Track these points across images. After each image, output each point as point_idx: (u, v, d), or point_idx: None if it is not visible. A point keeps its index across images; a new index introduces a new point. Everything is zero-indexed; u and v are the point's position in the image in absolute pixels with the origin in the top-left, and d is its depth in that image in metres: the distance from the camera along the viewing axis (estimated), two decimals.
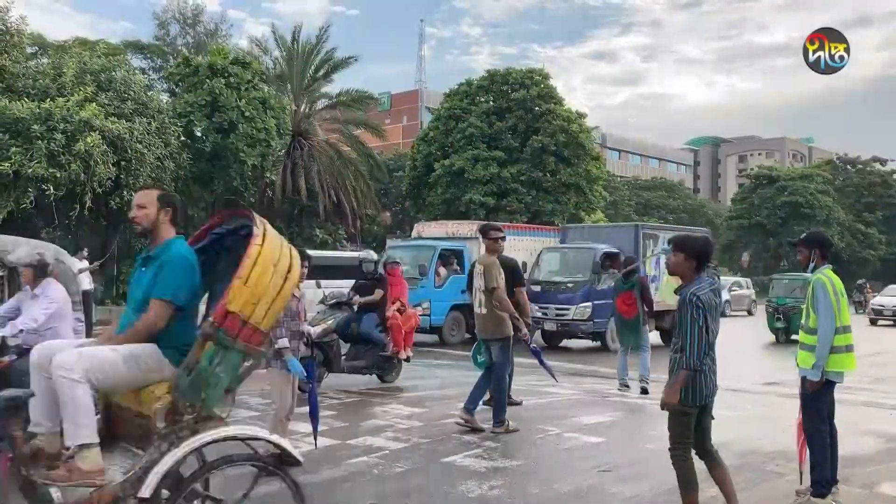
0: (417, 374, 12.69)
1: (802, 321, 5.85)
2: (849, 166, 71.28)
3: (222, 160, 24.90)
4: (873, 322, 29.48)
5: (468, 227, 20.01)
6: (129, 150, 20.67)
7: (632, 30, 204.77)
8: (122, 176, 20.69)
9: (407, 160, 41.99)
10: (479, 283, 8.16)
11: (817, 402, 5.68)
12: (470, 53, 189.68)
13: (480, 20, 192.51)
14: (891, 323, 29.56)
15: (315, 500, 5.77)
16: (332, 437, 7.78)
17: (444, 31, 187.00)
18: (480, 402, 8.44)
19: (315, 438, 6.76)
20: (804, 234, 6.07)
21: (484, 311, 8.18)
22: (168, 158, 22.35)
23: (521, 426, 8.47)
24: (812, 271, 5.80)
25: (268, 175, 28.08)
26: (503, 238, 8.51)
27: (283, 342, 6.43)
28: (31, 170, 18.68)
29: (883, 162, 70.53)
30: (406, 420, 8.76)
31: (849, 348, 5.74)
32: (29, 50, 25.92)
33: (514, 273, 9.11)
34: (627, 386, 11.21)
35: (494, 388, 8.27)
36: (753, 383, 12.54)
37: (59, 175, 19.02)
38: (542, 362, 9.00)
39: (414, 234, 22.19)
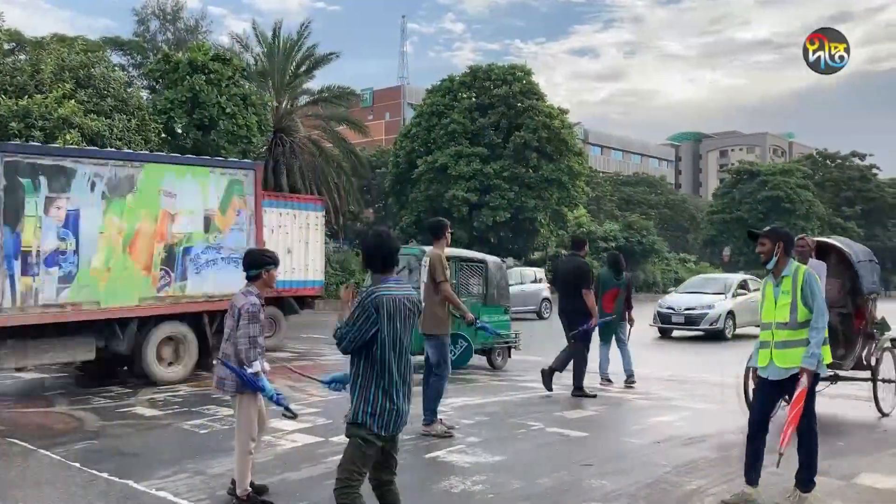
0: (488, 364, 12.88)
1: (784, 319, 5.54)
2: (828, 161, 71.96)
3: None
4: (663, 333, 20.11)
5: None
6: (109, 148, 20.48)
7: (614, 25, 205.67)
8: None
9: (389, 157, 41.96)
10: (423, 275, 8.00)
11: (811, 399, 5.52)
12: (452, 49, 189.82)
13: (463, 16, 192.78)
14: (689, 332, 19.75)
15: (296, 498, 5.75)
16: (314, 434, 7.75)
17: (426, 28, 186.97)
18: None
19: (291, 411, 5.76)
20: (768, 227, 5.89)
21: (421, 305, 7.84)
22: None
23: (504, 421, 8.48)
24: (774, 264, 5.60)
25: None
26: (451, 231, 8.44)
27: (258, 365, 5.46)
28: None
29: (862, 157, 71.23)
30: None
31: (826, 341, 5.72)
32: (6, 46, 25.60)
33: (583, 276, 10.17)
34: (609, 381, 11.27)
35: (430, 388, 7.95)
36: (734, 376, 12.59)
37: None
38: (496, 333, 9.97)
39: None
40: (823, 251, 9.13)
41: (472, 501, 5.75)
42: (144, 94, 27.18)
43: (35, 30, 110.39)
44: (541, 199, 36.30)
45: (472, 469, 6.55)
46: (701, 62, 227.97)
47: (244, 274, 5.72)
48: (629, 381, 11.20)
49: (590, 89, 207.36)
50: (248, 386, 5.49)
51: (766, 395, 5.76)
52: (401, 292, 4.14)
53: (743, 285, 21.36)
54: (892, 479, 6.38)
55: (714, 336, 19.13)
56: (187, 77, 23.97)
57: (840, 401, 9.97)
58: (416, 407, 9.12)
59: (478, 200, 35.17)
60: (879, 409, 9.06)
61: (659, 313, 20.36)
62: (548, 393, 10.24)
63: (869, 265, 9.27)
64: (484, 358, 13.20)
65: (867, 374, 9.13)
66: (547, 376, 10.28)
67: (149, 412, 9.03)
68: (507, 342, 13.37)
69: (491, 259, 13.99)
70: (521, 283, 26.09)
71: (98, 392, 10.29)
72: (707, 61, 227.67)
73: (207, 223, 11.04)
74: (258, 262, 5.63)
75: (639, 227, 48.62)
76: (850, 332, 9.12)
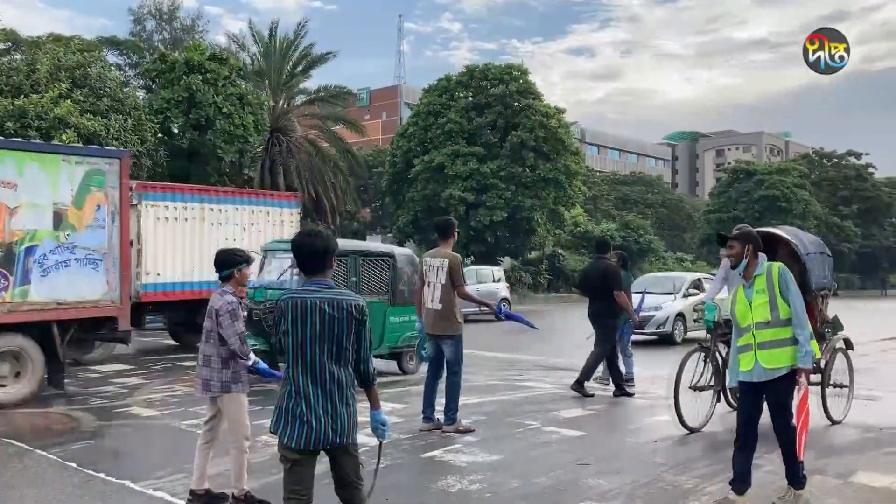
0: (397, 369, 12.69)
1: (765, 318, 5.39)
2: (825, 160, 72.10)
3: (200, 157, 24.73)
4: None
5: None
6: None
7: (610, 25, 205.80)
8: None
9: (386, 156, 41.97)
10: (438, 276, 7.82)
11: (790, 397, 5.44)
12: (449, 49, 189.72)
13: (460, 15, 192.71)
14: (636, 337, 16.68)
15: None
16: None
17: (423, 27, 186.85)
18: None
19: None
20: (736, 229, 5.71)
21: (438, 306, 7.83)
22: (145, 156, 22.14)
23: (501, 420, 8.49)
24: (744, 267, 5.51)
25: (246, 171, 27.92)
26: (458, 231, 8.55)
27: (254, 357, 5.57)
28: None
29: (858, 156, 71.37)
30: (386, 416, 8.73)
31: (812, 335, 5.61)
32: (2, 46, 25.60)
33: (612, 278, 10.31)
34: (607, 381, 11.21)
35: (448, 387, 8.00)
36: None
37: None
38: (520, 319, 8.98)
39: None
40: (770, 243, 8.31)
41: (470, 501, 5.75)
42: (141, 93, 27.14)
43: (31, 29, 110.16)
44: (537, 199, 36.32)
45: (469, 468, 6.55)
46: (697, 61, 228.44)
47: (218, 273, 5.59)
48: (628, 384, 11.12)
49: (586, 88, 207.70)
50: (263, 375, 5.80)
51: (752, 399, 5.52)
52: (321, 296, 3.72)
53: (697, 285, 19.37)
54: (888, 478, 6.40)
55: (665, 340, 17.73)
56: (184, 77, 23.95)
57: (837, 399, 9.97)
58: (412, 406, 9.15)
59: (474, 200, 35.18)
60: (828, 416, 8.39)
61: None
62: (590, 394, 10.29)
63: (819, 258, 8.57)
64: (394, 363, 12.22)
65: (817, 377, 8.19)
66: (617, 387, 10.44)
67: (146, 412, 9.02)
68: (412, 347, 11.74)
69: (400, 251, 12.62)
70: (479, 283, 25.16)
71: (95, 392, 10.28)
72: (703, 60, 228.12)
73: (58, 219, 9.55)
74: (230, 262, 5.58)
75: (635, 227, 48.72)
76: None
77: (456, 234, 8.25)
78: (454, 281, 7.79)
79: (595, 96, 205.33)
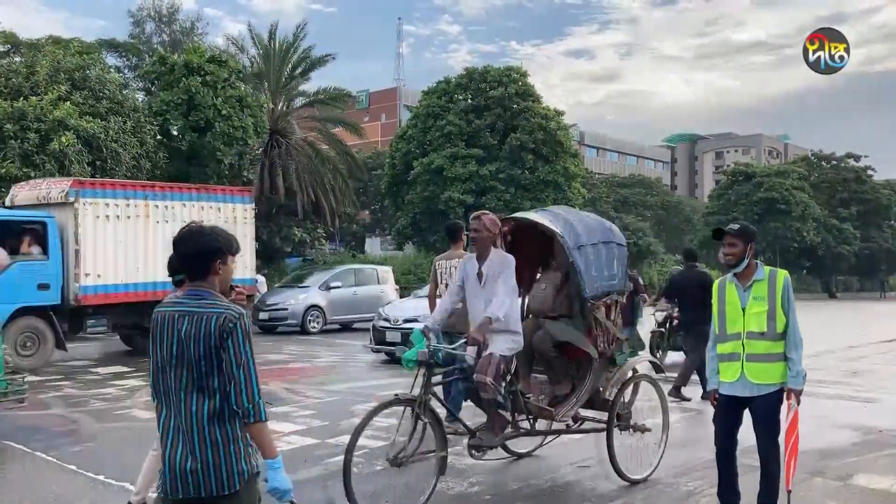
0: (396, 371, 12.70)
1: (760, 328, 4.93)
2: (824, 162, 72.07)
3: (199, 159, 24.71)
4: (389, 356, 14.13)
5: (62, 186, 13.76)
6: (105, 150, 20.46)
7: (609, 27, 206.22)
8: (97, 175, 20.48)
9: (385, 158, 41.95)
10: (454, 278, 7.96)
11: (778, 412, 5.02)
12: (448, 51, 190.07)
13: (459, 18, 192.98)
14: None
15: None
16: (311, 436, 7.76)
17: (422, 29, 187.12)
18: None
19: None
20: (737, 226, 5.15)
21: (458, 305, 8.03)
22: (144, 158, 22.15)
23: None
24: (744, 268, 5.03)
25: (245, 174, 27.89)
26: (466, 234, 8.55)
27: None
28: (3, 170, 18.45)
29: (857, 158, 71.36)
30: (385, 419, 8.73)
31: None
32: (1, 48, 25.59)
33: (711, 286, 9.90)
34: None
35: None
36: None
37: (33, 175, 18.75)
38: None
39: (8, 199, 14.81)
40: (523, 231, 6.68)
41: (470, 502, 5.76)
42: (140, 95, 27.12)
43: (29, 31, 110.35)
44: (537, 201, 36.24)
45: (469, 470, 6.55)
46: (696, 63, 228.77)
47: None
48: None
49: (586, 91, 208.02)
50: None
51: (734, 412, 5.11)
52: (183, 309, 3.03)
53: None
54: (887, 480, 6.41)
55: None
56: (183, 79, 23.95)
57: (837, 402, 9.99)
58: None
59: (474, 202, 35.13)
60: (618, 472, 6.19)
61: (375, 329, 14.55)
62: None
63: (604, 250, 6.38)
64: None
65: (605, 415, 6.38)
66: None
67: (146, 415, 9.01)
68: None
69: None
70: (358, 286, 21.55)
71: (95, 395, 10.28)
72: (702, 62, 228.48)
73: None
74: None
75: (635, 229, 48.75)
76: (575, 354, 6.37)
77: (465, 236, 8.28)
78: None
79: (594, 98, 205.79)
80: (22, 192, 14.40)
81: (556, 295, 6.46)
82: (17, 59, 24.93)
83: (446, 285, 7.96)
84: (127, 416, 9.01)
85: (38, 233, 13.02)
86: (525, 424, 6.22)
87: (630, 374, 6.61)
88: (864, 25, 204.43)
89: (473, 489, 6.04)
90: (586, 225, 6.43)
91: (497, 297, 5.65)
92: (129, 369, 12.93)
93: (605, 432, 6.21)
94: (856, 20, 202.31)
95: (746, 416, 5.13)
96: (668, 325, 14.07)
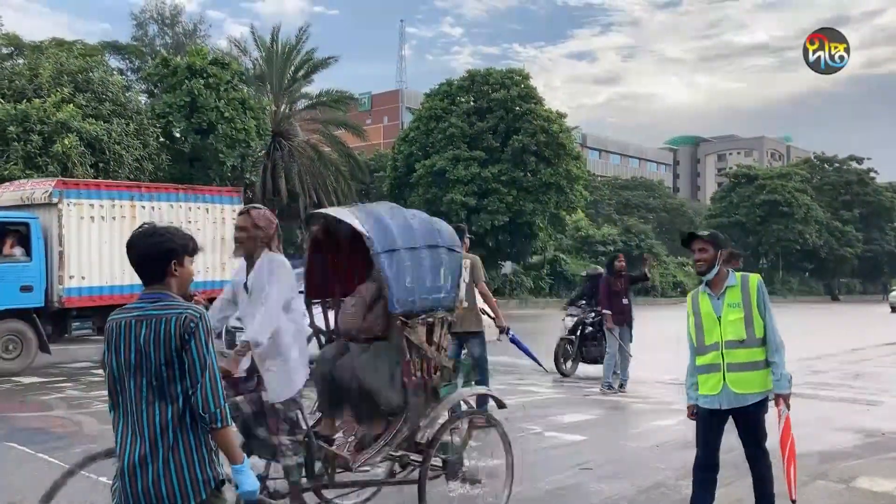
0: None
1: (739, 336, 4.70)
2: (826, 165, 72.06)
3: (202, 161, 24.76)
4: None
5: (46, 187, 13.50)
6: (108, 152, 20.51)
7: (612, 29, 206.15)
8: (100, 177, 20.54)
9: (388, 160, 41.97)
10: (462, 276, 8.10)
11: (763, 421, 4.83)
12: (451, 53, 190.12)
13: (462, 20, 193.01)
14: None
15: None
16: None
17: (425, 31, 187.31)
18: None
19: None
20: (708, 231, 5.01)
21: (464, 304, 8.09)
22: (147, 160, 22.19)
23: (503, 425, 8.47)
24: (714, 275, 4.78)
25: (248, 176, 27.94)
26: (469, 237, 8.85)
27: None
28: (7, 171, 18.49)
29: (859, 160, 71.32)
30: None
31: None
32: (4, 51, 25.67)
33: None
34: (612, 388, 11.12)
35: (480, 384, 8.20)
36: None
37: (36, 177, 18.85)
38: (527, 352, 9.24)
39: None
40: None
41: None
42: (143, 98, 27.19)
43: (31, 33, 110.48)
44: (539, 203, 36.31)
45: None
46: (698, 66, 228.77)
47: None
48: (621, 387, 11.07)
49: (588, 93, 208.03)
50: None
51: (716, 426, 4.85)
52: (141, 313, 2.88)
53: None
54: (890, 483, 6.39)
55: None
56: (186, 81, 24.00)
57: (840, 404, 9.97)
58: None
59: (476, 204, 35.18)
60: None
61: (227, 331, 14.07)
62: None
63: (425, 256, 5.09)
64: None
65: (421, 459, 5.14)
66: None
67: None
68: None
69: None
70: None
71: (97, 396, 10.27)
72: (705, 65, 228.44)
73: None
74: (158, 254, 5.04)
75: (637, 231, 48.70)
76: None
77: (467, 240, 8.55)
78: (477, 279, 8.27)
79: (596, 101, 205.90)
80: (6, 193, 14.07)
81: (367, 311, 5.19)
82: (21, 61, 25.03)
83: None
84: None
85: (22, 234, 12.73)
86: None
87: (455, 410, 5.59)
88: (867, 28, 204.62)
89: (475, 492, 6.03)
90: (405, 225, 5.14)
91: (260, 315, 4.38)
92: None
93: (418, 484, 4.96)
94: (858, 22, 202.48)
95: (766, 413, 5.07)
96: (579, 332, 12.45)
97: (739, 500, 5.93)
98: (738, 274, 4.83)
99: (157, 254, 2.93)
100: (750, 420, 4.77)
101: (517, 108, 36.65)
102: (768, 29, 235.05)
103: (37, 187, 13.65)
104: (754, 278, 4.82)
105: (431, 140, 36.72)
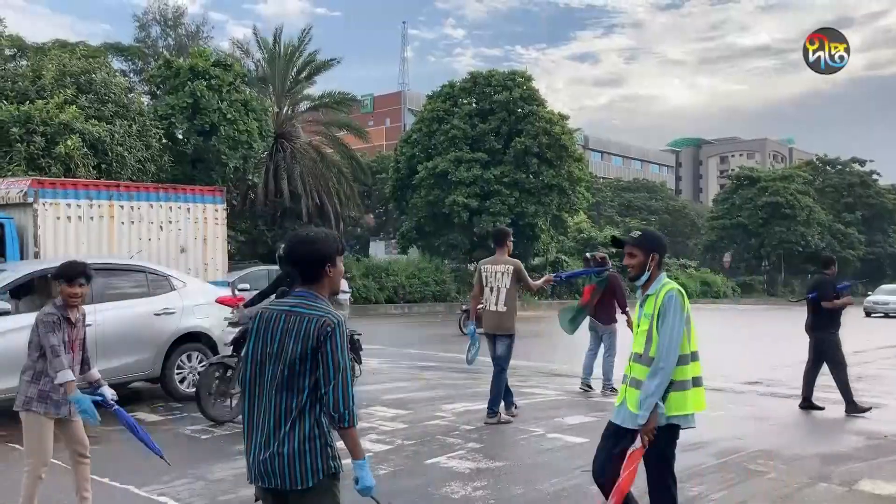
0: (402, 375, 12.69)
1: (639, 349, 4.38)
2: (828, 167, 72.04)
3: (204, 162, 24.78)
4: None
5: (21, 186, 13.24)
6: (110, 153, 20.54)
7: (614, 31, 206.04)
8: (102, 178, 20.57)
9: (390, 162, 42.01)
10: (503, 281, 8.63)
11: (665, 451, 4.35)
12: (453, 55, 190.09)
13: (464, 22, 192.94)
14: None
15: None
16: None
17: (427, 33, 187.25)
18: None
19: (160, 455, 5.32)
20: (638, 233, 4.60)
21: (504, 308, 8.60)
22: (149, 161, 22.21)
23: (504, 427, 8.49)
24: (645, 281, 4.43)
25: (250, 177, 27.97)
26: (512, 240, 9.36)
27: (65, 375, 4.84)
28: (10, 173, 18.51)
29: (862, 162, 71.29)
30: (390, 422, 8.75)
31: (697, 381, 4.35)
32: (7, 52, 25.70)
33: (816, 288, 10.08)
34: (590, 387, 11.06)
35: (495, 381, 8.66)
36: (736, 382, 12.61)
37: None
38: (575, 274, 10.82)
39: None
40: None
41: None
42: (145, 99, 27.22)
43: (33, 35, 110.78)
44: (541, 205, 36.30)
45: (472, 475, 6.55)
46: (700, 68, 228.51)
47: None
48: (606, 388, 10.91)
49: (590, 95, 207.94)
50: (119, 418, 5.18)
51: (611, 442, 4.48)
52: (287, 308, 3.18)
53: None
54: (892, 486, 6.38)
55: None
56: (188, 83, 24.02)
57: (840, 406, 9.95)
58: (415, 412, 9.14)
59: (478, 206, 35.18)
60: None
61: None
62: None
63: None
64: None
65: None
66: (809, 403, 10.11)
67: (150, 417, 9.02)
68: None
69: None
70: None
71: None
72: (707, 67, 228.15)
73: None
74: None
75: None
76: None
77: (510, 243, 9.11)
78: (525, 282, 8.79)
79: (599, 103, 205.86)
80: None
81: None
82: (24, 62, 25.07)
83: (491, 289, 8.65)
84: (134, 419, 9.00)
85: None
86: None
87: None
88: (870, 29, 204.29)
89: (478, 493, 6.04)
90: None
91: None
92: None
93: None
94: (861, 24, 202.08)
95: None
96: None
97: (743, 502, 5.94)
98: (664, 282, 4.39)
99: (315, 259, 3.19)
100: (650, 445, 4.28)
101: (519, 109, 36.65)
102: (770, 31, 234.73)
103: (12, 186, 13.39)
104: (666, 288, 4.33)
105: (434, 142, 36.73)
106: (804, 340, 10.31)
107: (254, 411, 3.16)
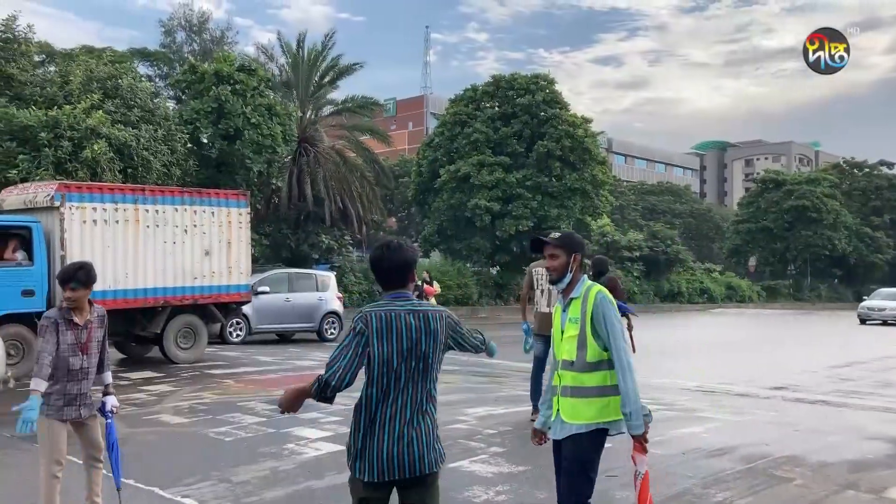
0: None
1: (569, 356, 4.12)
2: (855, 170, 71.13)
3: (228, 167, 24.97)
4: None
5: (48, 190, 13.34)
6: (136, 158, 20.74)
7: (638, 34, 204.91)
8: (128, 183, 20.78)
9: (412, 166, 42.08)
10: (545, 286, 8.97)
11: (591, 462, 4.22)
12: (476, 59, 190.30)
13: (487, 25, 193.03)
14: None
15: None
16: (337, 442, 7.77)
17: (449, 37, 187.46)
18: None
19: (118, 486, 5.26)
20: (558, 234, 4.36)
21: (551, 310, 8.71)
22: (174, 165, 22.41)
23: (527, 431, 8.44)
24: (567, 283, 4.21)
25: (274, 181, 28.13)
26: None
27: (38, 383, 4.76)
28: (38, 177, 18.73)
29: (890, 165, 70.38)
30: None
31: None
32: (36, 58, 26.02)
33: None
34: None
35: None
36: (762, 387, 12.49)
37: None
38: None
39: None
40: None
41: None
42: (171, 104, 27.46)
43: (62, 41, 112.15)
44: (564, 209, 36.18)
45: (495, 479, 6.53)
46: (725, 70, 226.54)
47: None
48: None
49: (613, 98, 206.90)
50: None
51: (557, 458, 4.29)
52: (404, 307, 3.44)
53: None
54: None
55: None
56: (213, 87, 24.21)
57: (871, 413, 9.83)
58: (439, 414, 9.14)
59: (500, 209, 35.14)
60: None
61: None
62: None
63: None
64: None
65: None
66: None
67: (174, 419, 9.09)
68: None
69: None
70: (291, 292, 19.93)
71: (124, 399, 10.38)
72: (731, 69, 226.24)
73: None
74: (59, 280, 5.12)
75: (663, 237, 48.33)
76: None
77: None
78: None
79: (622, 106, 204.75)
80: (10, 197, 14.02)
81: None
82: (52, 68, 25.39)
83: (542, 291, 9.02)
84: (155, 420, 9.09)
85: (24, 238, 12.62)
86: None
87: None
88: None
89: (500, 497, 6.02)
90: None
91: None
92: (159, 374, 13.07)
93: None
94: (889, 25, 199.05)
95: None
96: None
97: (803, 484, 5.87)
98: (588, 284, 4.20)
99: (404, 265, 3.55)
100: (569, 454, 4.11)
101: (542, 113, 36.57)
102: (796, 33, 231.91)
103: (39, 191, 13.52)
104: (594, 291, 4.13)
105: (456, 145, 36.75)
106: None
107: (383, 408, 3.38)
